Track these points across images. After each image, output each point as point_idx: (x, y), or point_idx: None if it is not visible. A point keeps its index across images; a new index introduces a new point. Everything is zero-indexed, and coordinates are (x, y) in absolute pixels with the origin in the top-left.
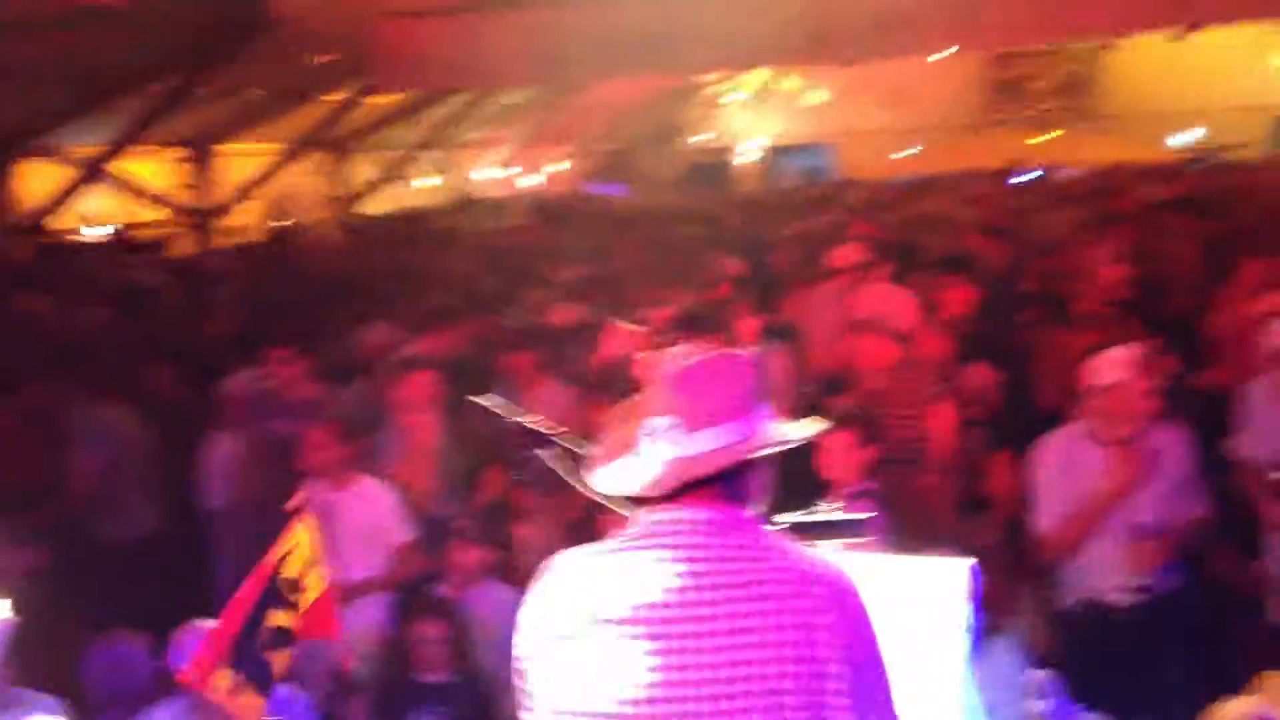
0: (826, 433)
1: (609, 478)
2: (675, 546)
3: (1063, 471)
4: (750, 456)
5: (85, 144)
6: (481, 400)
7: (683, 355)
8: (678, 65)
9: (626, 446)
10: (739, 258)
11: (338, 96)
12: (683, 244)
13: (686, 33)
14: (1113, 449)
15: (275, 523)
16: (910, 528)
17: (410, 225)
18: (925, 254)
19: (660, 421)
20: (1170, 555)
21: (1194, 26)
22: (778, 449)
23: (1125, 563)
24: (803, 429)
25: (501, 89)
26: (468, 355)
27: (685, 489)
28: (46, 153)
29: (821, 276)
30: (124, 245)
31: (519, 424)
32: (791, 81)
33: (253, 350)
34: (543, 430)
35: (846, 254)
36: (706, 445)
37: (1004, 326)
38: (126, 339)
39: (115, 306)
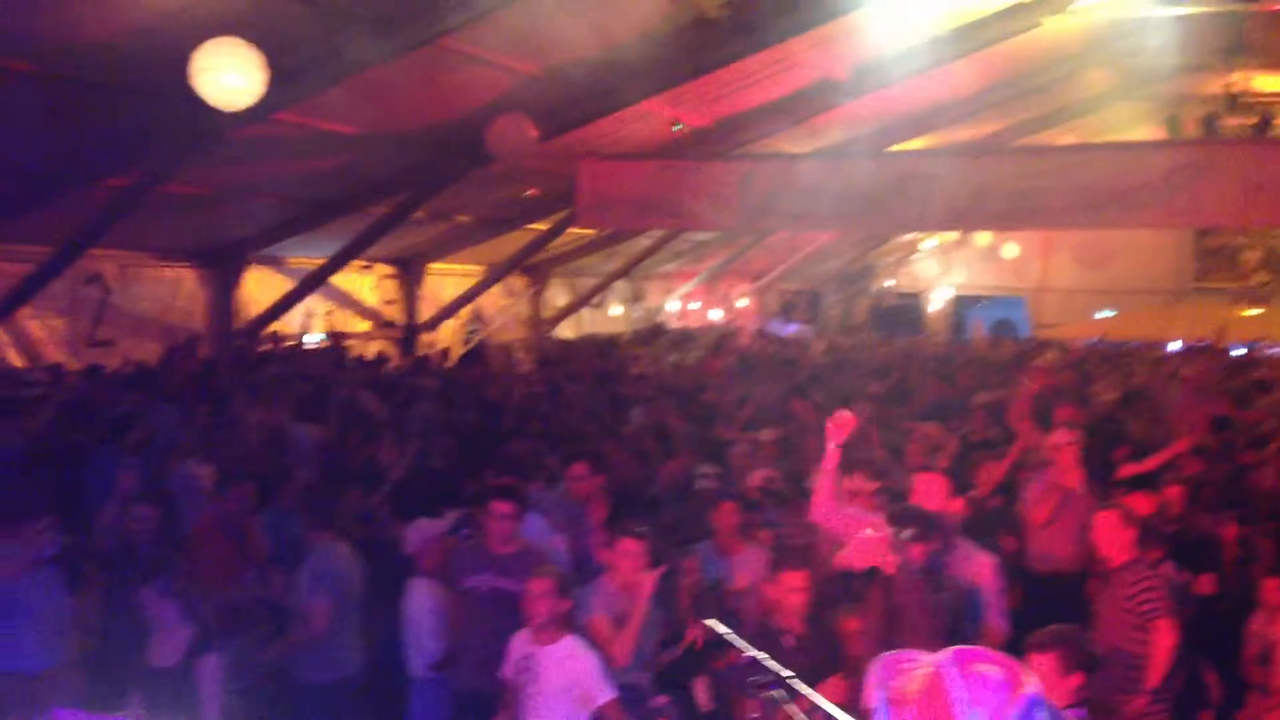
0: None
1: None
2: None
3: None
4: None
5: (306, 256)
6: (709, 624)
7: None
8: (872, 224)
9: None
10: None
11: (541, 226)
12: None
13: (884, 193)
14: None
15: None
16: None
17: (602, 354)
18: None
19: None
20: None
21: None
22: None
23: None
24: None
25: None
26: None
27: None
28: (271, 263)
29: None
30: (348, 359)
31: (747, 655)
32: (985, 234)
33: (456, 489)
34: (773, 669)
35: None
36: None
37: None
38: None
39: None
